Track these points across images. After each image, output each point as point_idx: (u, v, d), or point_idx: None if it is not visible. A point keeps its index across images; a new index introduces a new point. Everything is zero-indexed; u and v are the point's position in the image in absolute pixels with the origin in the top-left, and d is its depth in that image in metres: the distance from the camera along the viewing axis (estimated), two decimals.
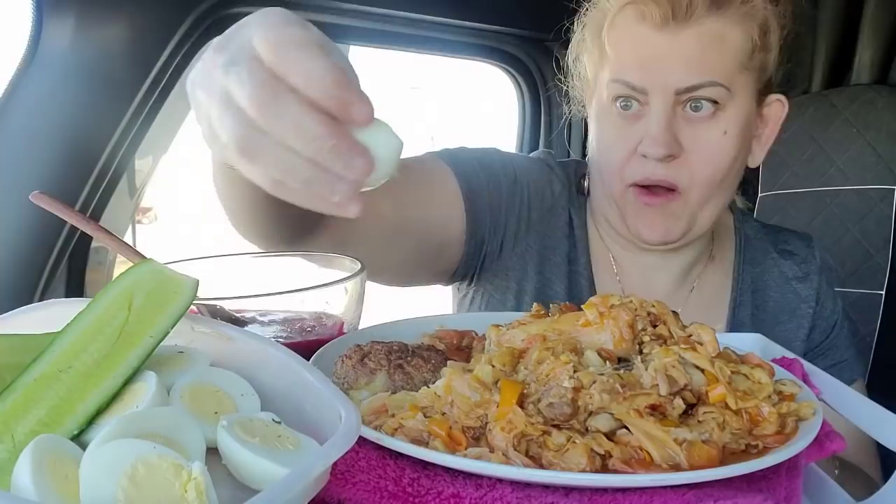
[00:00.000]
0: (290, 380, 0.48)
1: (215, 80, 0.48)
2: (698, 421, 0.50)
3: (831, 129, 1.68)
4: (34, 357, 0.44)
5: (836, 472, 0.72)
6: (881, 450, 0.56)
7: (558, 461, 0.46)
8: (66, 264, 1.27)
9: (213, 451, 0.43)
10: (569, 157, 1.92)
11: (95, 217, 1.29)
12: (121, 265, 1.30)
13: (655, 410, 0.49)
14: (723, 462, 0.47)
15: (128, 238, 1.48)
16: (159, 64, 1.26)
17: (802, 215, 1.69)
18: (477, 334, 0.68)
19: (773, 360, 0.63)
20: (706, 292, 1.08)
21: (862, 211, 1.64)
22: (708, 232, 1.04)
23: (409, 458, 0.48)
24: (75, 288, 1.30)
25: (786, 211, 1.71)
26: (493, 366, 0.53)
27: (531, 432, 0.48)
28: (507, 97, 2.05)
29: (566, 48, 1.08)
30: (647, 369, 0.52)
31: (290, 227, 0.80)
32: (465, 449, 0.48)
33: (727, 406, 0.51)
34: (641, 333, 0.57)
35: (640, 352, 0.56)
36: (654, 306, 0.59)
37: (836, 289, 1.14)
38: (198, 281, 0.50)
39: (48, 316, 0.50)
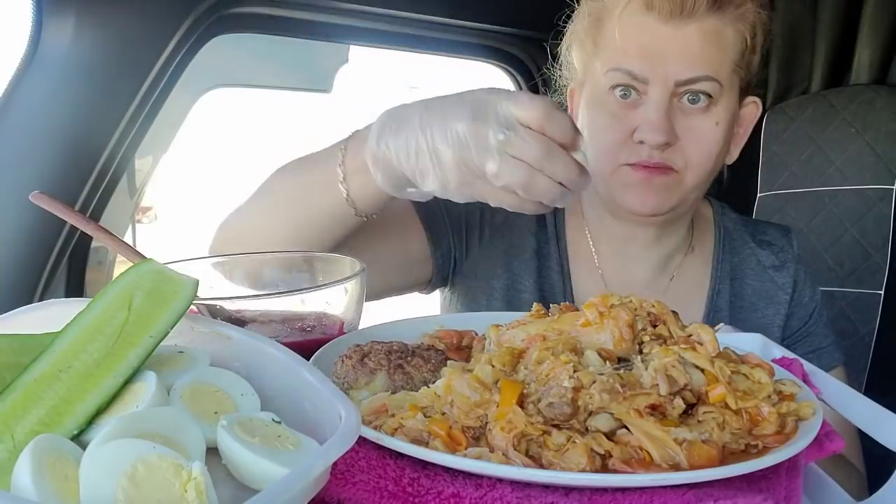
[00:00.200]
0: (289, 380, 0.48)
1: (484, 140, 0.67)
2: (698, 421, 0.50)
3: (830, 129, 1.68)
4: (34, 357, 0.44)
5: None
6: (882, 450, 0.56)
7: (558, 461, 0.46)
8: (66, 264, 1.27)
9: (213, 451, 0.43)
10: None
11: (95, 217, 1.29)
12: (121, 265, 1.30)
13: (655, 410, 0.49)
14: (723, 462, 0.47)
15: (128, 238, 1.48)
16: (159, 64, 1.26)
17: (801, 215, 1.69)
18: (477, 334, 0.68)
19: (773, 360, 0.63)
20: (686, 281, 1.11)
21: (861, 211, 1.64)
22: (687, 221, 1.09)
23: (409, 457, 0.48)
24: (75, 288, 1.30)
25: (785, 211, 1.71)
26: (493, 366, 0.54)
27: (531, 432, 0.48)
28: None
29: (559, 41, 1.09)
30: (647, 369, 0.52)
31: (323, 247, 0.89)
32: (465, 449, 0.48)
33: (727, 406, 0.51)
34: (641, 333, 0.57)
35: (640, 352, 0.56)
36: (654, 306, 0.59)
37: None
38: (198, 281, 0.50)
39: (48, 316, 0.50)
